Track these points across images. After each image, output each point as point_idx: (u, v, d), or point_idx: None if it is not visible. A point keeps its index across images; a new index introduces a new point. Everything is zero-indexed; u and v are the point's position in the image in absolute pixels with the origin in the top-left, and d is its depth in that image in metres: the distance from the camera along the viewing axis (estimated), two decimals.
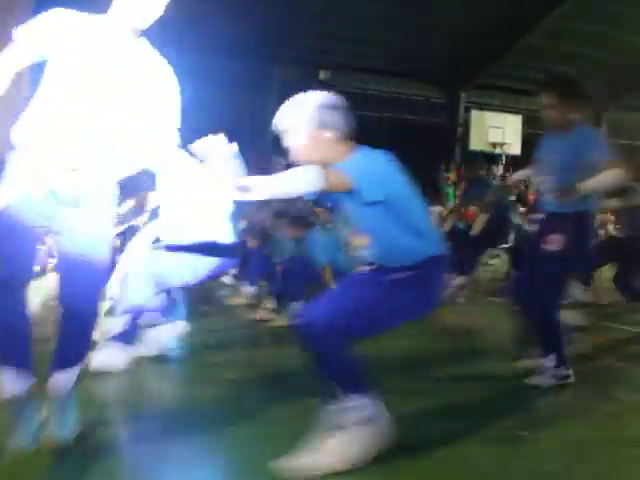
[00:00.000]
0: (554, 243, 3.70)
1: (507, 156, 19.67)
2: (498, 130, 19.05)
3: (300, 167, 2.62)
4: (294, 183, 2.51)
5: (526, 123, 19.86)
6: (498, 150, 19.34)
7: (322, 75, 17.09)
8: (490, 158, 19.69)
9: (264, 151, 16.93)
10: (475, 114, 19.15)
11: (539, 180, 4.06)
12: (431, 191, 18.14)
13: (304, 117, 2.73)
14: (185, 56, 14.79)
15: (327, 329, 2.38)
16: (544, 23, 16.38)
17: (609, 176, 3.69)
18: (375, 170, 2.69)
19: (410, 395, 3.59)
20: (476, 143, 19.05)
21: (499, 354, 4.76)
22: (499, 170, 19.81)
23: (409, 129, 19.30)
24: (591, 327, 5.77)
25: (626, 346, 5.35)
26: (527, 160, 17.52)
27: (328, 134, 2.76)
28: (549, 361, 3.79)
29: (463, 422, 3.22)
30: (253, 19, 14.48)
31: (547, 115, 3.97)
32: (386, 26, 15.81)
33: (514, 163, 19.99)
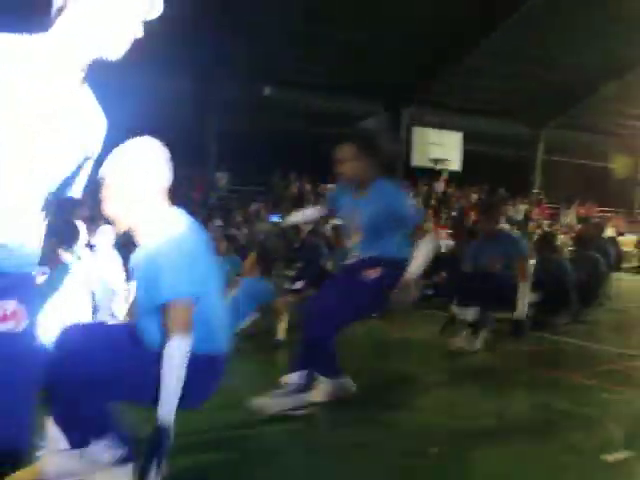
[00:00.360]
0: (372, 272, 3.45)
1: (448, 172, 20.04)
2: (439, 147, 19.38)
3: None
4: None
5: (466, 140, 20.30)
6: (439, 166, 19.67)
7: (266, 91, 17.08)
8: (431, 174, 20.05)
9: (206, 167, 16.88)
10: (417, 131, 19.43)
11: (351, 243, 3.74)
12: None
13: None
14: (126, 74, 14.81)
15: None
16: (485, 43, 16.77)
17: (427, 247, 3.49)
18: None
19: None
20: (418, 159, 19.34)
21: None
22: (440, 186, 20.16)
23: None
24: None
25: (559, 356, 5.48)
26: (467, 177, 17.89)
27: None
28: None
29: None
30: (195, 37, 14.41)
31: (344, 169, 3.75)
32: (328, 43, 15.95)
33: (455, 179, 20.42)
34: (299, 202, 17.11)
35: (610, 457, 3.05)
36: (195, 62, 15.41)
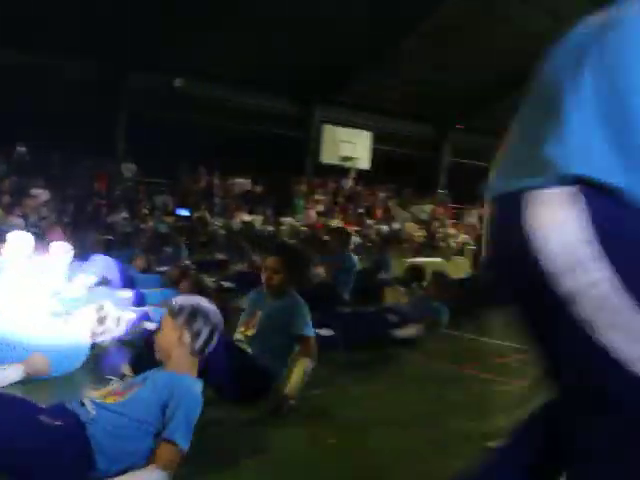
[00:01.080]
0: None
1: (357, 170, 20.30)
2: (349, 145, 19.61)
3: None
4: None
5: (376, 140, 20.62)
6: (348, 164, 19.90)
7: (178, 82, 16.78)
8: (341, 172, 20.26)
9: (112, 157, 16.44)
10: (327, 128, 19.60)
11: (241, 332, 3.96)
12: (282, 203, 18.36)
13: None
14: (31, 56, 14.23)
15: None
16: (396, 46, 17.08)
17: (305, 368, 3.64)
18: None
19: None
20: (327, 157, 19.50)
21: None
22: (349, 183, 20.40)
23: (263, 141, 19.41)
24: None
25: (460, 351, 5.66)
26: (375, 176, 18.10)
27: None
28: None
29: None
30: (106, 21, 13.99)
31: (269, 277, 3.95)
32: (244, 37, 15.84)
33: (364, 177, 20.71)
34: (208, 196, 16.94)
35: (495, 443, 3.18)
36: (104, 46, 14.90)
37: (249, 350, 3.72)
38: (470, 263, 12.54)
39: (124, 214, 14.65)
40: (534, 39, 17.01)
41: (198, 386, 2.65)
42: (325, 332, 4.75)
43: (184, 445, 2.42)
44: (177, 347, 2.71)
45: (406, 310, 5.85)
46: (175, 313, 2.76)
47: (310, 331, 3.83)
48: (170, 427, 2.43)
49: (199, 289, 4.97)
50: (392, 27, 16.18)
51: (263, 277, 3.98)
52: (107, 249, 10.03)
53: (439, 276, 7.03)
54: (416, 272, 9.44)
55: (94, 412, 2.44)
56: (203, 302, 2.89)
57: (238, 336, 3.88)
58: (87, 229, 13.68)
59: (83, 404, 2.49)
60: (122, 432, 2.44)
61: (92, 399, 2.53)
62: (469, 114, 22.09)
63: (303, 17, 15.24)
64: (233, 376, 3.32)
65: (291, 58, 16.96)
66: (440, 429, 3.45)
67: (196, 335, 2.72)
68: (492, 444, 3.14)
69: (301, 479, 2.71)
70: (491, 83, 19.79)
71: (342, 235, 8.18)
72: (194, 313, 2.77)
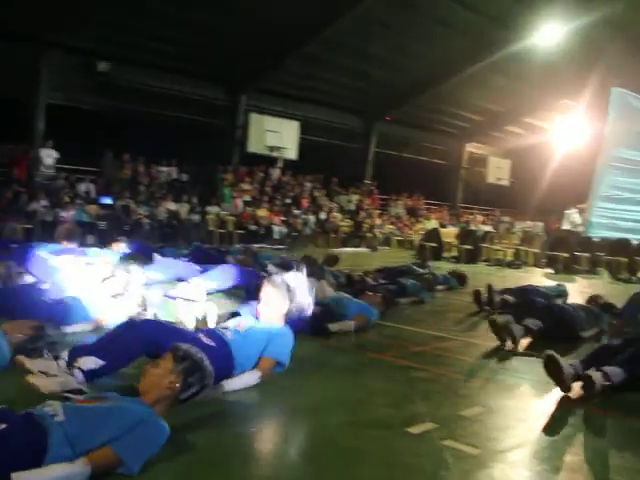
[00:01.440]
0: None
1: (284, 160, 20.31)
2: (276, 134, 19.60)
3: None
4: None
5: (303, 129, 20.68)
6: (275, 154, 19.89)
7: (101, 67, 16.37)
8: (268, 161, 20.24)
9: (32, 142, 15.93)
10: (254, 117, 19.52)
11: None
12: (208, 192, 18.23)
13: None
14: None
15: None
16: (325, 36, 17.11)
17: (252, 380, 3.86)
18: None
19: None
20: (254, 146, 19.44)
21: None
22: (276, 172, 20.41)
23: (189, 129, 19.19)
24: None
25: (382, 340, 5.80)
26: (303, 165, 18.18)
27: None
28: None
29: None
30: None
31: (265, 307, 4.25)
32: (172, 24, 15.59)
33: (291, 167, 20.75)
34: (133, 184, 16.65)
35: (414, 429, 3.31)
36: (21, 24, 14.37)
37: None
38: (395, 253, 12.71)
39: (44, 202, 14.27)
40: (459, 35, 17.54)
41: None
42: None
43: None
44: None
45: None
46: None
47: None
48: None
49: None
50: (318, 16, 16.21)
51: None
52: (27, 238, 9.82)
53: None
54: (331, 260, 9.87)
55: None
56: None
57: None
58: (5, 217, 13.30)
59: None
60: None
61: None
62: (396, 106, 22.39)
63: (229, 3, 15.12)
64: None
65: (217, 45, 16.81)
66: (360, 415, 3.54)
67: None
68: (411, 429, 3.29)
69: (219, 466, 2.74)
70: (417, 77, 20.11)
71: None
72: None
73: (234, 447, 2.95)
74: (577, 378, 4.08)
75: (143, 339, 3.72)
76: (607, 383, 3.99)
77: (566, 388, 4.04)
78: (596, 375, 3.98)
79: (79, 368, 3.50)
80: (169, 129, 18.80)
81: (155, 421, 2.67)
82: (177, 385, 2.87)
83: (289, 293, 4.18)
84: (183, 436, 2.91)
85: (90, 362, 3.53)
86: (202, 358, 3.02)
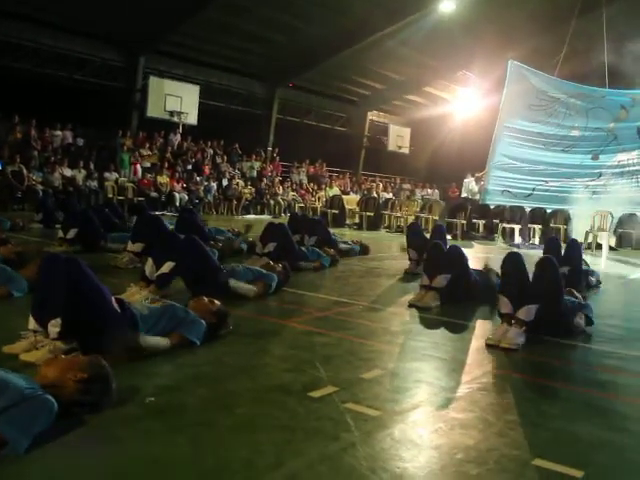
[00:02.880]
0: None
1: (184, 125, 19.86)
2: (176, 99, 19.11)
3: None
4: None
5: (203, 94, 20.26)
6: (175, 119, 19.42)
7: None
8: (168, 126, 19.75)
9: None
10: (153, 81, 18.95)
11: None
12: (107, 157, 17.64)
13: None
14: None
15: None
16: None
17: (163, 342, 3.95)
18: None
19: None
20: (153, 110, 18.90)
21: None
22: (177, 138, 19.96)
23: (85, 91, 18.46)
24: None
25: (284, 306, 5.82)
26: (203, 131, 17.91)
27: None
28: None
29: None
30: None
31: None
32: None
33: (191, 132, 20.34)
34: (24, 148, 15.87)
35: (315, 393, 3.33)
36: None
37: None
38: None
39: None
40: (361, 1, 17.55)
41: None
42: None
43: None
44: None
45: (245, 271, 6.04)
46: None
47: None
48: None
49: None
50: None
51: None
52: None
53: None
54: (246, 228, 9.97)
55: None
56: None
57: None
58: None
59: None
60: None
61: None
62: (298, 72, 22.28)
63: None
64: None
65: (113, 4, 16.13)
66: (260, 381, 3.53)
67: None
68: (312, 393, 3.31)
69: (112, 443, 2.68)
70: (319, 43, 20.02)
71: None
72: None
73: (132, 419, 2.88)
74: None
75: None
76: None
77: None
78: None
79: None
80: (63, 91, 18.03)
81: (40, 396, 2.55)
82: (78, 384, 2.77)
83: None
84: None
85: None
86: (108, 374, 2.92)
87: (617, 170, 15.40)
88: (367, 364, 3.98)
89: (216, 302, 4.41)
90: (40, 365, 2.97)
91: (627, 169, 15.31)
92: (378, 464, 2.54)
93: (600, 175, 15.35)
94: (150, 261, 5.65)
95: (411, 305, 5.95)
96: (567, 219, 14.70)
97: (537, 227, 15.29)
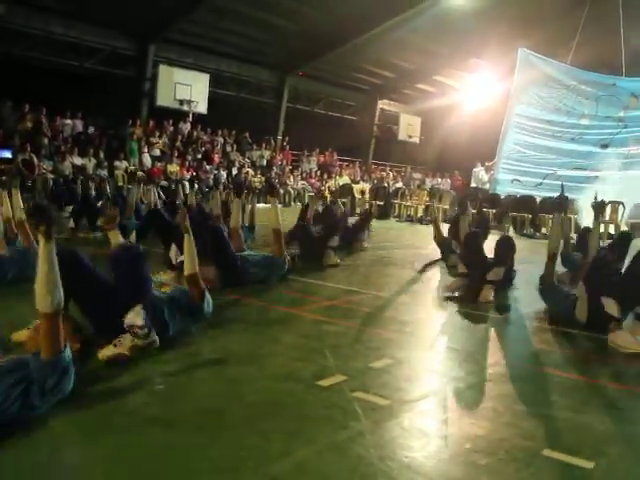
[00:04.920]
0: None
1: (194, 114, 19.82)
2: (186, 87, 19.05)
3: None
4: None
5: (213, 82, 20.21)
6: (185, 107, 19.37)
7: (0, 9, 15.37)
8: (178, 115, 19.72)
9: None
10: (163, 69, 18.88)
11: None
12: (117, 146, 17.66)
13: None
14: None
15: None
16: None
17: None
18: None
19: None
20: (163, 99, 18.85)
21: None
22: (186, 127, 19.94)
23: (95, 79, 18.45)
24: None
25: (294, 294, 5.82)
26: (213, 120, 17.79)
27: None
28: None
29: None
30: None
31: None
32: None
33: (201, 121, 20.30)
34: (35, 137, 15.90)
35: (324, 382, 3.33)
36: None
37: None
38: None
39: None
40: None
41: None
42: None
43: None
44: None
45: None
46: None
47: None
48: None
49: None
50: None
51: None
52: None
53: None
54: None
55: None
56: None
57: None
58: None
59: None
60: None
61: None
62: (308, 61, 22.18)
63: None
64: None
65: None
66: (270, 369, 3.54)
67: None
68: (321, 382, 3.31)
69: (124, 432, 2.68)
70: (329, 31, 19.89)
71: None
72: None
73: (141, 406, 2.88)
74: None
75: None
76: None
77: None
78: None
79: None
80: (74, 79, 18.00)
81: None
82: None
83: None
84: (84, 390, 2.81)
85: None
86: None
87: (628, 160, 15.27)
88: (376, 353, 3.97)
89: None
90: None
91: (638, 159, 15.19)
92: (386, 453, 2.54)
93: (610, 165, 15.22)
94: (174, 248, 5.72)
95: (460, 299, 5.79)
96: (578, 209, 14.61)
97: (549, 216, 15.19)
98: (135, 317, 3.50)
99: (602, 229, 13.38)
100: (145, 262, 3.91)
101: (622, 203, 13.79)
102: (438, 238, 8.47)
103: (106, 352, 3.44)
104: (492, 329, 4.94)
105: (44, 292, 2.71)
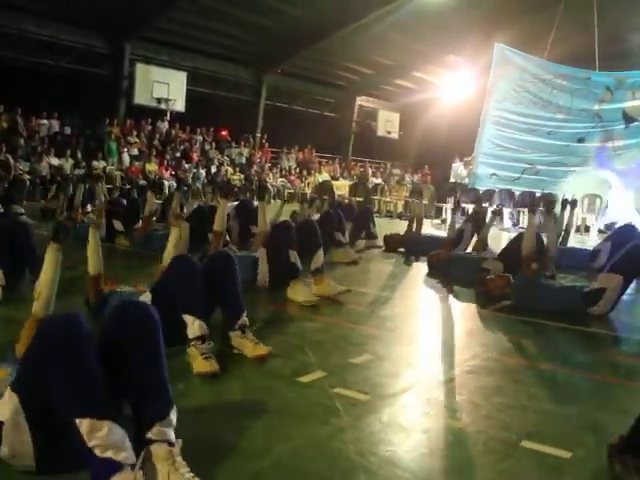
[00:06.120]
0: None
1: (172, 112, 19.73)
2: (163, 85, 18.94)
3: None
4: None
5: (190, 80, 20.12)
6: (163, 106, 19.27)
7: None
8: (155, 113, 19.61)
9: None
10: (140, 67, 18.76)
11: None
12: (95, 146, 17.52)
13: None
14: None
15: None
16: None
17: None
18: None
19: None
20: (140, 97, 18.74)
21: None
22: (164, 126, 19.83)
23: (70, 79, 18.29)
24: None
25: (276, 291, 5.81)
26: (191, 118, 17.69)
27: None
28: None
29: None
30: None
31: None
32: None
33: (179, 119, 20.20)
34: (10, 137, 15.73)
35: (305, 378, 3.33)
36: None
37: None
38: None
39: None
40: None
41: None
42: None
43: None
44: None
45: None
46: None
47: None
48: None
49: None
50: None
51: None
52: None
53: None
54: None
55: None
56: None
57: None
58: None
59: None
60: None
61: None
62: (285, 58, 22.15)
63: None
64: None
65: None
66: (249, 367, 3.53)
67: None
68: (301, 379, 3.32)
69: None
70: (306, 28, 19.87)
71: None
72: None
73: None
74: None
75: None
76: None
77: None
78: None
79: None
80: (49, 79, 17.85)
81: None
82: None
83: None
84: None
85: None
86: None
87: (604, 154, 15.38)
88: (357, 349, 3.98)
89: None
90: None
91: (615, 152, 15.30)
92: (367, 448, 2.55)
93: (587, 160, 15.33)
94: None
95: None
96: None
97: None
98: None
99: (580, 222, 13.53)
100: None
101: (600, 196, 13.93)
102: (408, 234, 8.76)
103: None
104: (473, 323, 4.96)
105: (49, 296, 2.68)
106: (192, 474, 2.09)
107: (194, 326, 3.48)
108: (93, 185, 9.62)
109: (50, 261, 2.70)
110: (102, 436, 1.99)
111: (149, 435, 2.17)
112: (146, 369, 2.28)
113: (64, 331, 2.11)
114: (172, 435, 2.22)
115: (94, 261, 4.01)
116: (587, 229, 13.48)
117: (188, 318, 3.51)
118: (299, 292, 5.25)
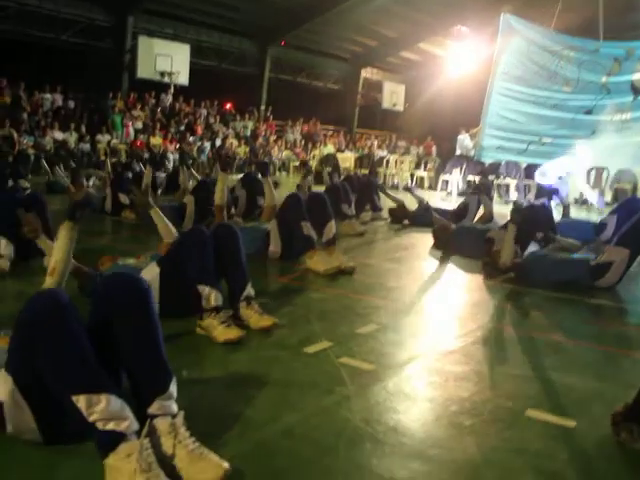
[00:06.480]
0: None
1: (175, 85, 19.61)
2: (166, 58, 18.81)
3: None
4: None
5: (194, 53, 19.98)
6: (166, 79, 19.15)
7: None
8: (159, 87, 19.50)
9: None
10: (143, 40, 18.62)
11: None
12: (99, 120, 17.46)
13: None
14: None
15: None
16: None
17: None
18: None
19: None
20: (144, 71, 18.62)
21: None
22: (168, 99, 19.72)
23: (73, 53, 18.18)
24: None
25: (280, 262, 5.82)
26: (194, 91, 17.61)
27: None
28: None
29: None
30: None
31: None
32: None
33: (183, 92, 20.09)
34: (14, 111, 15.68)
35: (311, 348, 3.34)
36: None
37: None
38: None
39: None
40: None
41: None
42: None
43: None
44: None
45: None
46: None
47: None
48: None
49: None
50: None
51: None
52: None
53: None
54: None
55: None
56: None
57: None
58: None
59: None
60: None
61: None
62: (289, 30, 21.94)
63: None
64: None
65: None
66: (255, 338, 3.53)
67: None
68: (307, 349, 3.33)
69: None
70: (311, 1, 19.66)
71: None
72: None
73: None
74: None
75: None
76: None
77: None
78: None
79: None
80: (52, 53, 17.75)
81: None
82: None
83: None
84: None
85: None
86: None
87: (612, 127, 15.25)
88: (362, 319, 3.99)
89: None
90: None
91: (623, 125, 15.17)
92: (372, 416, 2.56)
93: (594, 132, 15.20)
94: None
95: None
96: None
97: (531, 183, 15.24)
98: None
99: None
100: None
101: (607, 168, 13.84)
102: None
103: None
104: (479, 294, 4.96)
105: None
106: (198, 443, 2.09)
107: (210, 297, 3.47)
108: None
109: (65, 238, 2.69)
110: (101, 409, 1.98)
111: (150, 410, 2.16)
112: (139, 343, 2.24)
113: (44, 307, 2.07)
114: (174, 407, 2.22)
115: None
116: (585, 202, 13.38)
117: (203, 288, 3.49)
118: (319, 262, 5.26)
